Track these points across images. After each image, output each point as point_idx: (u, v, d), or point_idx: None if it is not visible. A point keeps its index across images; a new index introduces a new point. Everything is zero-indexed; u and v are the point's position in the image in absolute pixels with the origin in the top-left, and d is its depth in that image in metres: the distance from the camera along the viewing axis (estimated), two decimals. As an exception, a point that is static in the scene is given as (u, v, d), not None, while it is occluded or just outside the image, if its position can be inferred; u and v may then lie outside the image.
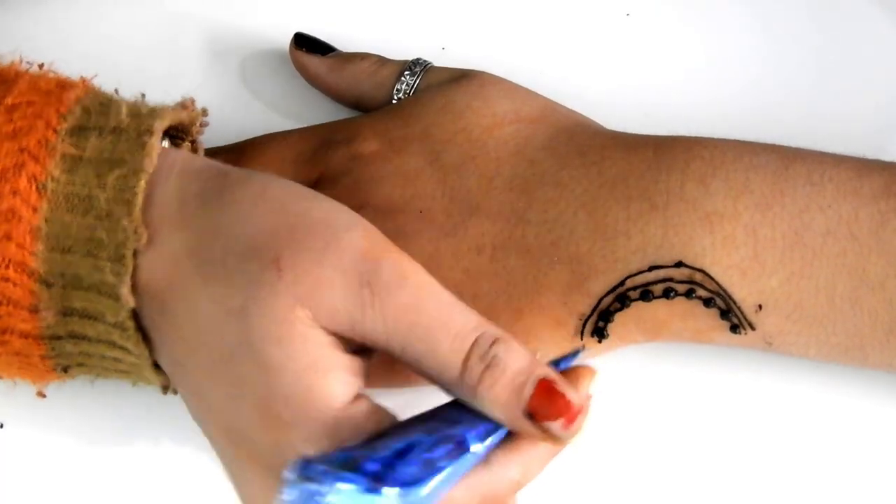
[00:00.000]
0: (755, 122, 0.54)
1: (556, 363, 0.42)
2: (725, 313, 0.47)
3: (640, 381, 0.51)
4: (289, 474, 0.36)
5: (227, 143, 0.53)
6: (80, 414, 0.51)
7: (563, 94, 0.53)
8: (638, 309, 0.48)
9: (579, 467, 0.50)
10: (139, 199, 0.42)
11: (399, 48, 0.55)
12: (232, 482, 0.43)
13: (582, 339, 0.48)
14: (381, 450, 0.38)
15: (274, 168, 0.51)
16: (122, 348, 0.44)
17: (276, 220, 0.41)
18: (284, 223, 0.41)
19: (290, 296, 0.40)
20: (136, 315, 0.42)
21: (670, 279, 0.47)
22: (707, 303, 0.47)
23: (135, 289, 0.42)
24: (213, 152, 0.52)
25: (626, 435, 0.51)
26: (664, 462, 0.51)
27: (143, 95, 0.45)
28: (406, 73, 0.53)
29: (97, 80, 0.55)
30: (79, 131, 0.43)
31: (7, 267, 0.42)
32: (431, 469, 0.38)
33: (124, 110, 0.43)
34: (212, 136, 0.53)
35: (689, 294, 0.47)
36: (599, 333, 0.48)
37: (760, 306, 0.47)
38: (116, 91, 0.46)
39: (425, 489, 0.37)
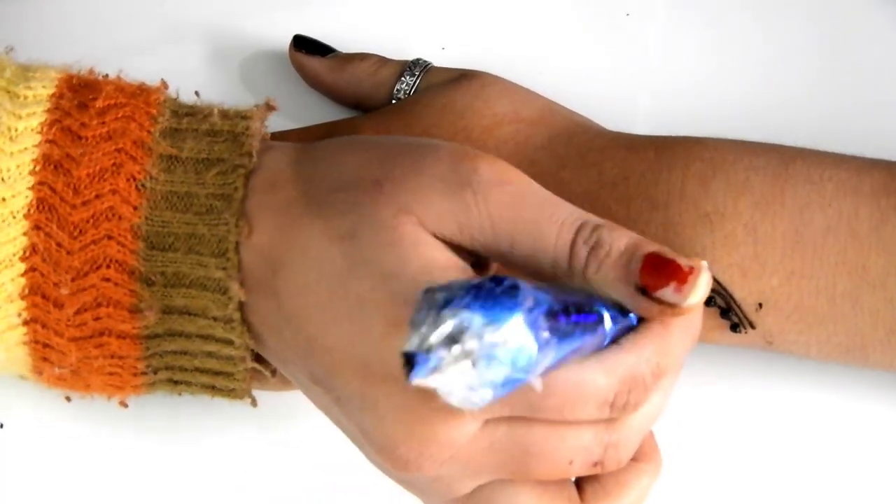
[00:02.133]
0: (755, 123, 0.54)
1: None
2: (726, 312, 0.47)
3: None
4: (418, 294, 0.33)
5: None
6: (81, 414, 0.51)
7: (562, 94, 0.53)
8: (638, 308, 0.48)
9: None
10: (240, 193, 0.42)
11: (399, 48, 0.55)
12: (370, 432, 0.40)
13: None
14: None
15: None
16: (221, 341, 0.43)
17: (368, 153, 0.42)
18: (377, 153, 0.41)
19: (393, 205, 0.40)
20: (240, 306, 0.42)
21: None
22: (707, 302, 0.47)
23: (241, 281, 0.42)
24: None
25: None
26: (664, 462, 0.51)
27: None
28: (406, 73, 0.53)
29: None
30: (172, 133, 0.43)
31: (108, 267, 0.42)
32: (567, 309, 0.36)
33: (216, 112, 0.44)
34: (212, 136, 0.53)
35: (689, 293, 0.47)
36: (600, 333, 0.48)
37: (761, 305, 0.47)
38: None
39: (566, 328, 0.35)
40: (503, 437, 0.38)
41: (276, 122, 0.55)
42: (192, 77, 0.56)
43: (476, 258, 0.41)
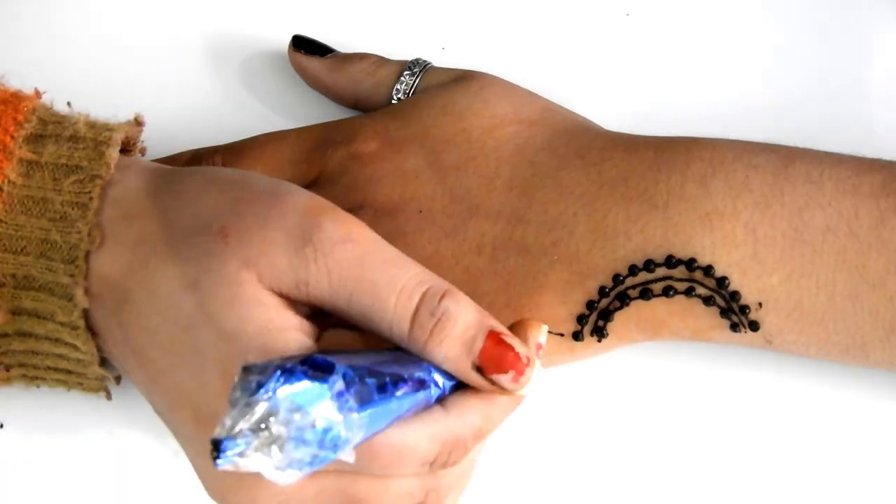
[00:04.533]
0: (755, 123, 0.54)
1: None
2: (725, 312, 0.47)
3: (640, 381, 0.51)
4: (238, 372, 0.35)
5: (226, 143, 0.53)
6: (81, 414, 0.51)
7: (562, 94, 0.53)
8: (637, 308, 0.48)
9: (579, 467, 0.50)
10: (95, 203, 0.43)
11: (399, 48, 0.55)
12: (205, 476, 0.43)
13: (582, 339, 0.48)
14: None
15: (272, 167, 0.51)
16: (69, 345, 0.44)
17: (222, 197, 0.42)
18: (230, 197, 0.42)
19: (237, 259, 0.40)
20: (86, 314, 0.43)
21: (670, 277, 0.47)
22: (707, 301, 0.47)
23: (86, 289, 0.43)
24: (212, 151, 0.52)
25: (625, 435, 0.51)
26: (664, 462, 0.51)
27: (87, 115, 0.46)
28: (405, 73, 0.53)
29: (97, 79, 0.55)
30: (36, 139, 0.44)
31: None
32: (382, 383, 0.38)
33: (81, 121, 0.45)
34: (211, 136, 0.54)
35: (688, 292, 0.47)
36: (599, 333, 0.48)
37: (761, 304, 0.47)
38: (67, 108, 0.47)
39: (383, 403, 0.37)
40: (331, 486, 0.40)
41: (277, 123, 0.55)
42: (192, 77, 0.57)
43: (317, 310, 0.42)
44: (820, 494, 0.51)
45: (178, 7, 0.57)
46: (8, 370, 0.46)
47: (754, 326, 0.47)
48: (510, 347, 0.40)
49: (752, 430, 0.51)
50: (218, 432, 0.33)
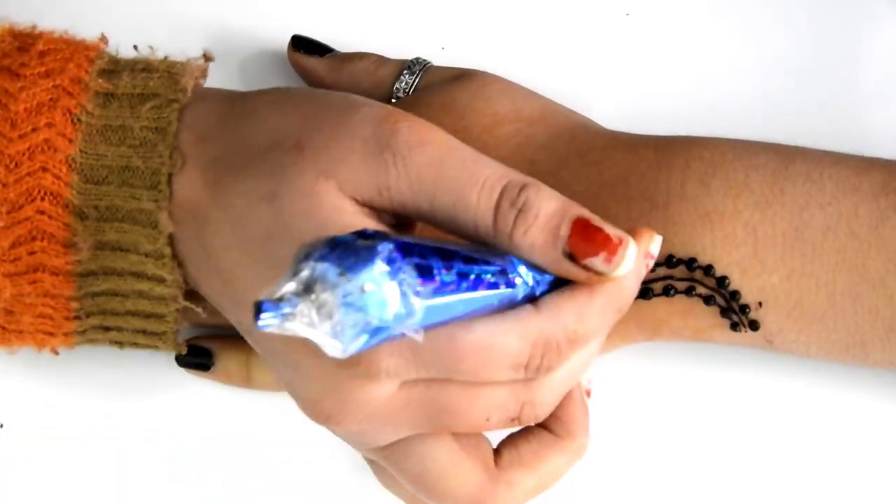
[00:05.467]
0: (755, 122, 0.54)
1: None
2: (725, 311, 0.47)
3: (640, 382, 0.51)
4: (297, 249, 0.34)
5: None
6: (80, 414, 0.51)
7: (562, 94, 0.53)
8: (638, 307, 0.48)
9: (579, 466, 0.50)
10: (174, 127, 0.43)
11: (399, 48, 0.55)
12: (295, 388, 0.41)
13: None
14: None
15: None
16: (153, 279, 0.44)
17: (293, 113, 0.42)
18: (301, 114, 0.42)
19: (314, 170, 0.40)
20: (170, 241, 0.43)
21: (670, 277, 0.47)
22: (707, 300, 0.47)
23: (171, 214, 0.42)
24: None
25: (625, 435, 0.51)
26: (664, 462, 0.51)
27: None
28: (405, 72, 0.53)
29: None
30: (109, 73, 0.44)
31: (43, 199, 0.42)
32: (449, 261, 0.36)
33: (153, 56, 0.45)
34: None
35: (688, 292, 0.47)
36: (599, 332, 0.48)
37: (761, 304, 0.47)
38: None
39: (447, 273, 0.36)
40: (420, 396, 0.39)
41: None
42: (192, 77, 0.56)
43: (401, 219, 0.42)
44: (820, 494, 0.51)
45: (178, 7, 0.57)
46: (87, 317, 0.45)
47: (754, 326, 0.47)
48: (599, 229, 0.39)
49: (752, 432, 0.51)
50: (261, 296, 0.32)
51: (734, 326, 0.47)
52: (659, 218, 0.48)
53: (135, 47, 0.47)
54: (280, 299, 0.32)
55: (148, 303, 0.45)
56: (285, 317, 0.32)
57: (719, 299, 0.47)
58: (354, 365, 0.38)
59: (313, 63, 0.55)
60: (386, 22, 0.57)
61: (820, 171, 0.47)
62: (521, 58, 0.57)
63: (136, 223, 0.43)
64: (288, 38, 0.55)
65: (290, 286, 0.32)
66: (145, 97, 0.43)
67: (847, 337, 0.47)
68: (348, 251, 0.33)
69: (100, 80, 0.44)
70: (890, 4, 0.58)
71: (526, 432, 0.44)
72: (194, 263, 0.43)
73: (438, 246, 0.37)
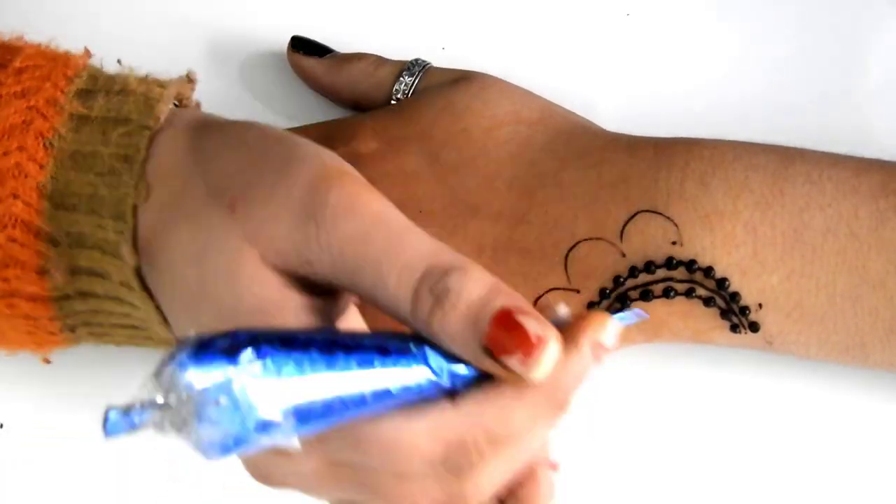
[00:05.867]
0: (754, 123, 0.54)
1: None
2: (725, 313, 0.47)
3: (640, 383, 0.51)
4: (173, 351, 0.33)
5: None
6: (80, 414, 0.51)
7: (562, 95, 0.53)
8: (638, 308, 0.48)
9: (579, 467, 0.50)
10: (142, 155, 0.41)
11: (399, 48, 0.55)
12: None
13: None
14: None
15: None
16: (129, 304, 0.43)
17: (240, 159, 0.40)
18: (246, 162, 0.40)
19: (239, 234, 0.38)
20: (140, 271, 0.42)
21: (670, 279, 0.47)
22: (707, 302, 0.47)
23: (136, 245, 0.41)
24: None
25: (625, 437, 0.51)
26: (664, 463, 0.51)
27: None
28: (405, 73, 0.53)
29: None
30: (86, 94, 0.43)
31: (14, 227, 0.42)
32: (332, 363, 0.34)
33: (132, 76, 0.44)
34: (211, 136, 0.53)
35: (689, 293, 0.47)
36: (599, 333, 0.48)
37: (760, 305, 0.47)
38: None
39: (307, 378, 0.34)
40: (349, 474, 0.38)
41: (276, 123, 0.55)
42: (192, 77, 0.56)
43: (331, 288, 0.39)
44: (820, 494, 0.51)
45: (178, 7, 0.57)
46: (73, 331, 0.45)
47: (754, 327, 0.47)
48: (519, 325, 0.35)
49: (752, 433, 0.51)
50: (111, 407, 0.32)
51: (734, 328, 0.47)
52: (658, 219, 0.48)
53: (118, 62, 0.46)
54: (129, 408, 0.32)
55: (132, 320, 0.44)
56: (134, 426, 0.32)
57: (719, 301, 0.47)
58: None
59: (312, 64, 0.55)
60: (386, 22, 0.57)
61: (819, 172, 0.47)
62: (522, 58, 0.57)
63: (104, 252, 0.42)
64: (288, 39, 0.55)
65: (143, 394, 0.32)
66: (118, 122, 0.42)
67: (847, 338, 0.47)
68: (206, 359, 0.32)
69: (75, 102, 0.43)
70: (892, 4, 0.58)
71: None
72: (154, 291, 0.42)
73: (325, 338, 0.35)
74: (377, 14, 0.58)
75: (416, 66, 0.53)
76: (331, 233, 0.37)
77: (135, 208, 0.41)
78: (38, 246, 0.42)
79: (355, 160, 0.50)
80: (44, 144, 0.42)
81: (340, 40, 0.55)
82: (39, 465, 0.50)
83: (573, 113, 0.52)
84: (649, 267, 0.47)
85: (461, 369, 0.37)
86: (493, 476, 0.38)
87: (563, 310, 0.38)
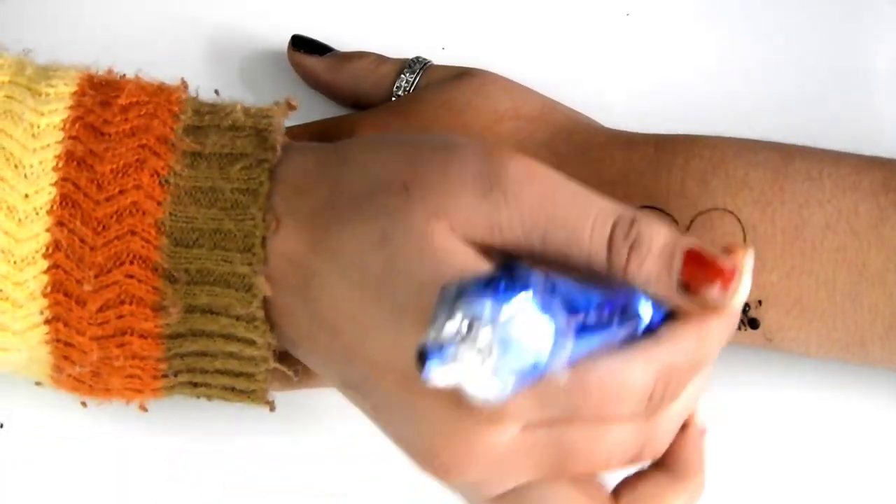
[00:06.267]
0: (754, 121, 0.54)
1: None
2: (725, 309, 0.47)
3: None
4: (438, 291, 0.33)
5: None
6: (81, 414, 0.51)
7: (563, 94, 0.53)
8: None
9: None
10: (266, 187, 0.41)
11: (399, 48, 0.55)
12: (411, 439, 0.40)
13: None
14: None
15: None
16: (243, 341, 0.43)
17: (395, 155, 0.41)
18: (403, 155, 0.41)
19: (423, 211, 0.39)
20: (264, 303, 0.42)
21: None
22: (706, 299, 0.47)
23: (267, 276, 0.41)
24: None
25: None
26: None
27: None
28: (406, 70, 0.53)
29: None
30: (194, 130, 0.43)
31: (132, 263, 0.41)
32: (587, 301, 0.36)
33: (238, 109, 0.43)
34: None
35: (688, 290, 0.47)
36: (599, 330, 0.48)
37: (760, 302, 0.47)
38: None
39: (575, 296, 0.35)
40: (542, 439, 0.38)
41: (276, 122, 0.55)
42: (192, 77, 0.56)
43: (508, 256, 0.40)
44: (820, 495, 0.50)
45: (178, 7, 0.57)
46: (175, 375, 0.44)
47: (754, 324, 0.47)
48: (712, 259, 0.38)
49: (751, 431, 0.51)
50: (422, 342, 0.31)
51: (734, 324, 0.47)
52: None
53: (216, 92, 0.46)
54: (441, 344, 0.31)
55: (238, 363, 0.44)
56: (448, 361, 0.31)
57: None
58: (479, 410, 0.37)
59: (313, 62, 0.55)
60: (386, 22, 0.58)
61: (819, 169, 0.47)
62: (522, 58, 0.57)
63: (228, 286, 0.42)
64: (288, 38, 0.55)
65: (450, 327, 0.31)
66: (234, 157, 0.42)
67: (847, 335, 0.47)
68: (500, 288, 0.32)
69: (187, 140, 0.42)
70: (893, 3, 0.58)
71: (643, 475, 0.42)
72: (293, 323, 0.42)
73: (573, 281, 0.36)
74: (377, 14, 0.58)
75: (417, 64, 0.53)
76: (518, 197, 0.39)
77: (263, 240, 0.41)
78: (155, 282, 0.42)
79: (355, 155, 0.50)
80: (160, 182, 0.42)
81: (340, 40, 0.55)
82: (39, 465, 0.50)
83: (574, 110, 0.52)
84: None
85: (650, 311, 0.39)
86: (678, 413, 0.41)
87: None
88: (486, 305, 0.32)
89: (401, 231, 0.39)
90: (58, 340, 0.43)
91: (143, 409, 0.47)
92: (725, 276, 0.38)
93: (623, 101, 0.56)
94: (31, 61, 0.44)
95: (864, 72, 0.57)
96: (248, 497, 0.51)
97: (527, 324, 0.32)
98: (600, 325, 0.36)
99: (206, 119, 0.43)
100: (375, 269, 0.39)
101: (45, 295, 0.42)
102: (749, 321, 0.47)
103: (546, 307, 0.32)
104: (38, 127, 0.42)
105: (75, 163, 0.42)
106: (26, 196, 0.41)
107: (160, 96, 0.44)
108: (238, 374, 0.44)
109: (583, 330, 0.35)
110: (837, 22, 0.58)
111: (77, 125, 0.42)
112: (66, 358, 0.44)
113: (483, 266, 0.39)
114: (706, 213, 0.47)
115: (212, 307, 0.42)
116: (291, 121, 0.54)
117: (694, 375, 0.40)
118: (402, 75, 0.53)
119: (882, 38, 0.58)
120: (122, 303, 0.42)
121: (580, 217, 0.39)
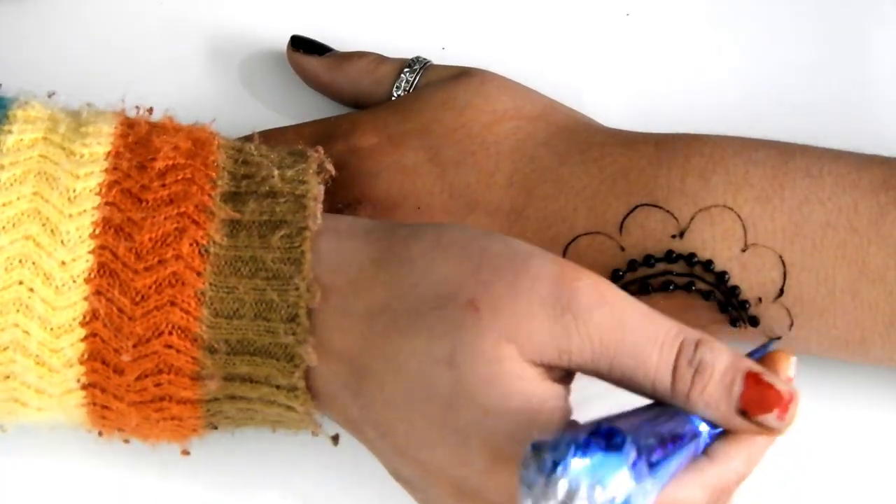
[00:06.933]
0: (754, 121, 0.54)
1: (749, 355, 0.42)
2: (725, 307, 0.47)
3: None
4: (527, 452, 0.34)
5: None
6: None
7: (563, 93, 0.53)
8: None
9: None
10: (308, 258, 0.41)
11: (399, 48, 0.55)
12: None
13: None
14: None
15: None
16: (283, 406, 0.43)
17: (459, 264, 0.41)
18: (468, 265, 0.41)
19: (494, 334, 0.39)
20: (307, 374, 0.42)
21: (669, 272, 0.47)
22: (706, 296, 0.47)
23: (318, 349, 0.41)
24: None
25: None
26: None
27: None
28: (406, 70, 0.53)
29: (97, 80, 0.55)
30: (233, 196, 0.43)
31: (171, 333, 0.41)
32: (664, 444, 0.37)
33: (275, 175, 0.43)
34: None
35: (688, 287, 0.47)
36: (599, 329, 0.48)
37: (760, 299, 0.47)
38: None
39: (666, 463, 0.37)
40: None
41: (276, 122, 0.55)
42: (192, 77, 0.57)
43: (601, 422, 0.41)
44: (820, 495, 0.50)
45: (178, 7, 0.57)
46: (216, 427, 0.45)
47: (754, 322, 0.47)
48: (770, 386, 0.40)
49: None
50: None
51: (734, 322, 0.47)
52: (658, 213, 0.48)
53: (255, 136, 0.46)
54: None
55: (278, 419, 0.44)
56: None
57: (719, 295, 0.47)
58: None
59: (312, 63, 0.55)
60: (386, 22, 0.58)
61: (819, 166, 0.47)
62: (522, 58, 0.57)
63: (270, 356, 0.41)
64: (288, 38, 0.55)
65: (549, 499, 0.33)
66: (274, 225, 0.42)
67: (846, 332, 0.47)
68: (596, 459, 0.34)
69: (226, 207, 0.42)
70: (894, 4, 0.58)
71: None
72: (342, 409, 0.42)
73: (652, 428, 0.38)
74: (377, 14, 0.58)
75: (416, 64, 0.53)
76: (589, 323, 0.40)
77: (309, 310, 0.41)
78: (194, 353, 0.41)
79: (354, 154, 0.50)
80: (199, 251, 0.41)
81: (340, 40, 0.55)
82: (39, 465, 0.50)
83: (573, 110, 0.52)
84: (648, 261, 0.47)
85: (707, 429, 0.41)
86: None
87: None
88: (583, 481, 0.33)
89: (470, 353, 0.39)
90: (94, 404, 0.43)
91: (186, 453, 0.47)
92: (783, 404, 0.40)
93: (623, 101, 0.56)
94: (62, 113, 0.44)
95: (865, 72, 0.57)
96: (248, 497, 0.51)
97: (620, 495, 0.34)
98: (672, 462, 0.38)
99: (244, 185, 0.43)
100: (442, 389, 0.39)
101: (82, 362, 0.42)
102: (749, 318, 0.47)
103: (637, 476, 0.34)
104: (75, 191, 0.41)
105: (113, 230, 0.41)
106: (63, 263, 0.41)
107: (196, 159, 0.43)
108: (279, 422, 0.44)
109: (660, 473, 0.37)
110: (838, 22, 0.58)
111: (114, 190, 0.42)
112: (103, 418, 0.44)
113: (548, 389, 0.40)
114: (706, 209, 0.47)
115: (252, 376, 0.42)
116: (291, 120, 0.54)
117: (739, 485, 0.41)
118: (402, 75, 0.53)
119: (882, 39, 0.58)
120: (161, 372, 0.42)
121: (647, 343, 0.40)
